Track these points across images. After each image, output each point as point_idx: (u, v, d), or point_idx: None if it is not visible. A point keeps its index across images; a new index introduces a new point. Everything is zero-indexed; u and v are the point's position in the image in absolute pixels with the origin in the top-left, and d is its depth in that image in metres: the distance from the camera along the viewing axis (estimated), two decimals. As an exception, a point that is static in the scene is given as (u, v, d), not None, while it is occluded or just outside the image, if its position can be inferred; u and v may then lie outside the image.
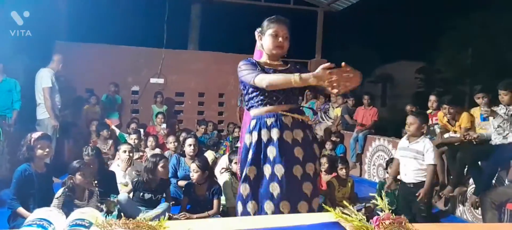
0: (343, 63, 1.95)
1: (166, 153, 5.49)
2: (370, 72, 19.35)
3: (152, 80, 8.87)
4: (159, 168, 3.90)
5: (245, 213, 2.27)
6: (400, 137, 6.73)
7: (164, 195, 4.10)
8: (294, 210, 2.21)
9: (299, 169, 2.25)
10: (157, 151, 5.99)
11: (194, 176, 3.93)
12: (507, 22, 13.47)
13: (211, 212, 3.92)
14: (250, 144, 2.31)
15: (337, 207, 1.39)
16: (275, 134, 2.25)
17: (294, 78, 2.08)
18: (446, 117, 5.06)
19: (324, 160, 5.15)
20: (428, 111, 5.86)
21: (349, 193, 4.75)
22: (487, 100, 4.52)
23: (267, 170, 2.24)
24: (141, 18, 10.73)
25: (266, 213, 2.21)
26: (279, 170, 2.21)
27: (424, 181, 3.81)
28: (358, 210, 1.38)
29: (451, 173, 4.79)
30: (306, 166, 2.28)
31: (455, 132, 4.91)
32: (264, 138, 2.27)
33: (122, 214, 1.01)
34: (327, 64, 1.98)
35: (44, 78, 5.69)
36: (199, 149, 5.20)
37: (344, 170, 4.73)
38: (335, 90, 1.99)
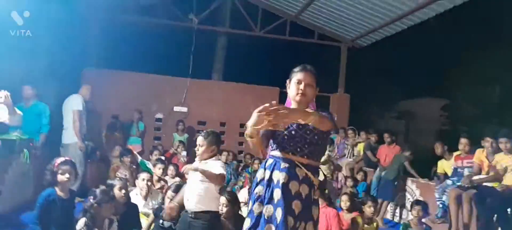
0: (273, 102, 2.07)
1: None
2: (393, 108, 19.12)
3: (176, 108, 8.99)
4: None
5: None
6: (424, 176, 6.58)
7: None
8: None
9: (291, 221, 2.29)
10: (177, 179, 6.00)
11: (223, 210, 3.82)
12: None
13: None
14: (261, 180, 2.42)
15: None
16: (282, 178, 2.32)
17: (246, 134, 2.31)
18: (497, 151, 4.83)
19: (345, 198, 5.04)
20: (457, 153, 5.71)
21: None
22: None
23: (268, 210, 2.31)
24: (168, 47, 10.97)
25: None
26: (279, 213, 2.28)
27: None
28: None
29: (479, 218, 4.61)
30: (299, 224, 2.32)
31: (487, 172, 4.75)
32: (275, 178, 2.35)
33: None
34: (260, 108, 2.07)
35: (75, 102, 6.06)
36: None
37: (372, 208, 4.59)
38: (277, 128, 2.17)
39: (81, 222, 3.27)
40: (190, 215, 3.29)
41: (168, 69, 9.23)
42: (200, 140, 3.36)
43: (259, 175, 2.44)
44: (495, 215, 4.34)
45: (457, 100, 17.17)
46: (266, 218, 2.29)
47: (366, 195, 5.04)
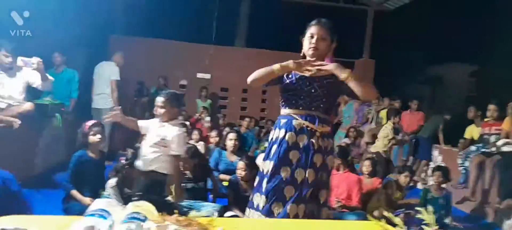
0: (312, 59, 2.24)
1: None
2: (420, 73, 18.64)
3: (199, 75, 9.10)
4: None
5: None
6: (448, 143, 6.51)
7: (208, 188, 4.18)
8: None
9: (311, 173, 2.32)
10: (201, 143, 6.17)
11: (242, 173, 3.93)
12: None
13: None
14: (272, 140, 2.45)
15: (376, 212, 1.40)
16: (301, 138, 2.35)
17: (275, 67, 2.30)
18: None
19: (367, 163, 5.06)
20: (486, 120, 5.61)
21: (400, 200, 4.62)
22: None
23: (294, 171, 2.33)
24: (191, 14, 10.97)
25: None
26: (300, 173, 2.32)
27: None
28: (396, 216, 1.38)
29: (501, 184, 4.59)
30: (296, 172, 2.33)
31: None
32: (290, 140, 2.36)
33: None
34: (300, 60, 2.22)
35: (113, 71, 6.32)
36: (240, 144, 5.27)
37: (408, 179, 4.50)
38: (307, 73, 2.26)
39: (112, 181, 3.43)
40: (143, 176, 3.21)
41: (192, 36, 9.30)
42: (159, 100, 3.20)
43: (274, 136, 2.44)
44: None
45: (487, 66, 16.57)
46: (298, 181, 2.31)
47: (404, 165, 4.97)
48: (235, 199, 4.01)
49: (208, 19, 9.42)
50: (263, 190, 2.36)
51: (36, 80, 4.54)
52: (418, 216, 1.52)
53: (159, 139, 3.14)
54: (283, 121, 2.43)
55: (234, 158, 5.02)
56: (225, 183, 4.61)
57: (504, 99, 5.91)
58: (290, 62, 2.25)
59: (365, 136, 7.71)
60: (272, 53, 9.47)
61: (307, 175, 2.30)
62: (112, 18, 8.72)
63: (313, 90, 2.35)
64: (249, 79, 2.38)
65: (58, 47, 5.97)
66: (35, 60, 4.20)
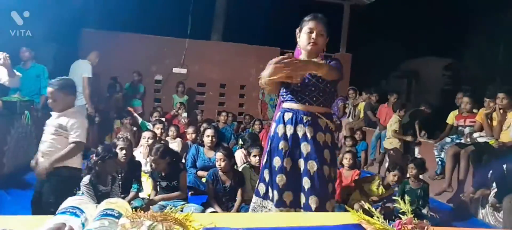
0: (290, 54, 2.21)
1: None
2: (396, 67, 18.97)
3: (175, 70, 8.96)
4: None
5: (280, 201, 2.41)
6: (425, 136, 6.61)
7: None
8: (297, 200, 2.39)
9: (326, 170, 2.38)
10: (178, 140, 6.07)
11: (221, 164, 3.95)
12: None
13: (237, 204, 3.96)
14: (284, 135, 2.44)
15: (356, 205, 1.37)
16: (309, 131, 2.39)
17: (260, 80, 2.30)
18: (491, 109, 4.85)
19: (349, 156, 5.08)
20: (453, 114, 5.72)
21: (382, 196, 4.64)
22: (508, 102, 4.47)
23: (300, 164, 2.40)
24: (166, 7, 10.79)
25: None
26: (312, 166, 2.37)
27: None
28: (375, 208, 1.38)
29: (474, 174, 4.69)
30: (330, 170, 2.41)
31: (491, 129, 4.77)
32: (300, 133, 2.41)
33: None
34: (275, 59, 2.11)
35: (85, 68, 6.26)
36: (218, 140, 5.22)
37: (396, 177, 4.43)
38: (293, 81, 2.24)
39: (86, 179, 3.33)
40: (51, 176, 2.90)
41: (167, 30, 9.13)
42: (49, 90, 2.95)
43: (279, 130, 2.46)
44: (491, 172, 4.40)
45: (461, 59, 17.02)
46: (301, 172, 2.38)
47: (396, 164, 4.97)
48: (215, 194, 3.98)
49: (183, 13, 9.27)
50: (274, 184, 2.41)
51: (2, 76, 4.34)
52: (395, 205, 1.51)
53: (59, 130, 2.91)
54: (287, 115, 2.46)
55: (212, 154, 4.97)
56: (204, 180, 4.55)
57: (477, 91, 6.05)
58: (265, 75, 2.21)
59: (343, 129, 7.77)
60: (249, 47, 9.43)
61: (315, 167, 2.36)
62: (84, 12, 8.45)
63: (315, 85, 2.41)
64: (261, 83, 2.34)
65: (25, 42, 5.76)
66: (1, 55, 4.02)
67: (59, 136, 2.91)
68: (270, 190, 2.46)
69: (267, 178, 2.48)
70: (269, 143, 2.52)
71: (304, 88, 2.39)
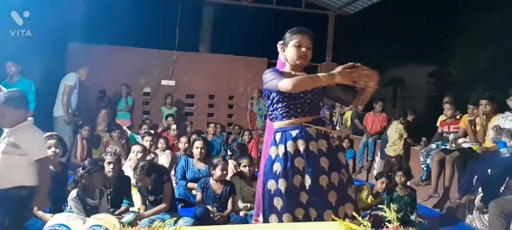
0: (358, 64, 2.19)
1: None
2: (381, 75, 19.10)
3: (164, 82, 8.96)
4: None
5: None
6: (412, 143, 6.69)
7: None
8: (320, 218, 2.25)
9: (325, 179, 2.30)
10: (168, 152, 6.07)
11: (218, 173, 4.06)
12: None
13: (227, 212, 3.99)
14: (276, 156, 2.35)
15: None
16: (301, 145, 2.32)
17: (322, 75, 2.21)
18: (474, 115, 4.95)
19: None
20: (441, 118, 5.81)
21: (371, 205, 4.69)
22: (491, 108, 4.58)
23: (297, 180, 2.30)
24: (153, 20, 10.79)
25: (298, 219, 2.25)
26: (307, 180, 2.29)
27: None
28: (363, 218, 1.39)
29: (460, 180, 4.77)
30: (331, 175, 2.33)
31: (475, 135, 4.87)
32: (291, 149, 2.32)
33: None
34: (348, 64, 2.18)
35: (69, 77, 6.43)
36: (207, 152, 5.23)
37: (384, 185, 4.51)
38: (358, 86, 2.24)
39: (73, 193, 3.31)
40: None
41: (155, 42, 9.14)
42: None
43: (272, 153, 2.38)
44: (476, 177, 4.48)
45: (444, 66, 17.31)
46: (298, 188, 2.29)
47: (383, 172, 5.02)
48: (205, 202, 4.02)
49: (170, 26, 9.30)
50: (281, 208, 2.28)
51: (-12, 92, 4.30)
52: (381, 213, 1.55)
53: (9, 148, 2.65)
54: (294, 132, 2.35)
55: (201, 166, 4.98)
56: (195, 192, 4.55)
57: (460, 98, 6.17)
58: (335, 73, 2.21)
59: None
60: (237, 58, 9.49)
61: (338, 178, 2.34)
62: (71, 26, 8.42)
63: (311, 98, 2.37)
64: (290, 84, 2.18)
65: (11, 57, 5.73)
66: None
67: (10, 154, 2.64)
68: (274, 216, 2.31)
69: (279, 206, 2.28)
70: (280, 164, 2.33)
71: (303, 102, 2.34)
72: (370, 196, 4.56)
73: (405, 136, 6.07)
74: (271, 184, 2.33)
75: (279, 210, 2.28)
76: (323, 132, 2.39)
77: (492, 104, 4.71)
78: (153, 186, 3.87)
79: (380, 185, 4.55)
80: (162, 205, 3.81)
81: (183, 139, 6.27)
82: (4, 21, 4.66)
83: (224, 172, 4.04)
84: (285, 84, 2.20)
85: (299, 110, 2.35)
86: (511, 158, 4.14)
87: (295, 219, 2.25)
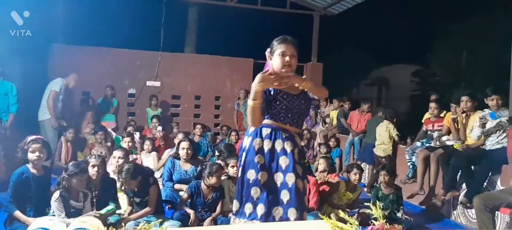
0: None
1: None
2: (366, 75, 19.41)
3: (149, 83, 8.88)
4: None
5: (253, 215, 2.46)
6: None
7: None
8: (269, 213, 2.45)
9: (300, 183, 2.48)
10: (154, 154, 6.01)
11: (212, 181, 4.02)
12: (502, 26, 13.63)
13: (215, 214, 3.99)
14: (260, 149, 2.51)
15: (332, 214, 1.42)
16: (288, 146, 2.51)
17: (249, 102, 2.40)
18: (457, 114, 5.03)
19: (323, 161, 5.16)
20: (426, 117, 5.89)
21: (354, 200, 4.74)
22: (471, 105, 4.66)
23: (278, 177, 2.49)
24: (138, 21, 10.71)
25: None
26: (290, 179, 2.46)
27: None
28: (350, 216, 1.41)
29: (444, 177, 4.84)
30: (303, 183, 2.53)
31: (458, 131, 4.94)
32: (278, 147, 2.51)
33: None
34: (264, 71, 2.38)
35: (55, 83, 6.42)
36: (193, 152, 5.18)
37: (357, 176, 4.65)
38: (281, 86, 2.40)
39: (56, 194, 3.25)
40: None
41: (139, 43, 9.07)
42: None
43: (256, 144, 2.52)
44: (459, 173, 4.56)
45: (428, 66, 17.61)
46: (278, 185, 2.47)
47: (353, 163, 5.09)
48: (194, 206, 4.01)
49: (155, 26, 9.23)
50: (249, 197, 2.49)
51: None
52: (368, 211, 1.57)
53: None
54: (266, 131, 2.55)
55: (188, 167, 4.94)
56: (182, 193, 4.51)
57: (444, 96, 6.27)
58: (253, 89, 2.36)
59: (317, 137, 7.89)
60: (223, 59, 9.46)
61: (293, 179, 2.46)
62: (54, 27, 8.27)
63: (296, 108, 2.55)
64: (252, 124, 2.50)
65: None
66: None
67: None
68: (244, 204, 2.51)
69: (240, 192, 2.54)
70: (244, 156, 2.57)
71: (288, 110, 2.51)
72: (347, 192, 4.61)
73: (396, 137, 6.08)
74: (252, 173, 2.54)
75: (255, 200, 2.48)
76: (300, 144, 2.64)
77: (472, 102, 4.79)
78: (139, 188, 3.83)
79: (353, 177, 4.65)
80: (147, 209, 3.77)
81: (180, 136, 6.19)
82: (4, 21, 4.60)
83: (219, 180, 4.01)
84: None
85: (284, 117, 2.54)
86: (493, 152, 4.23)
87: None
